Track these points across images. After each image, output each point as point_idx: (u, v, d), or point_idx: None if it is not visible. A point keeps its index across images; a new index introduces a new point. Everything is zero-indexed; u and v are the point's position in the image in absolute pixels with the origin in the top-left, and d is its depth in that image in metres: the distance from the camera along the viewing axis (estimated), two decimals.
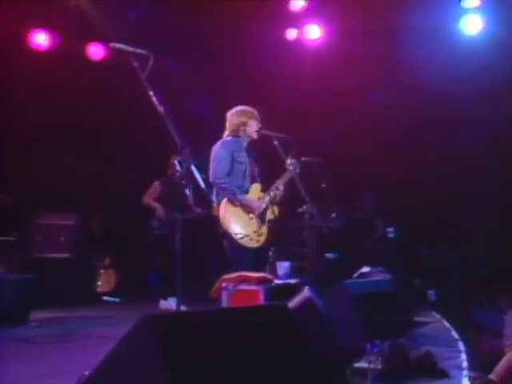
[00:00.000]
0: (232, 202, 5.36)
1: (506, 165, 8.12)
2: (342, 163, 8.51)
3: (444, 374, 4.17)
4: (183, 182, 3.44)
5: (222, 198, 5.35)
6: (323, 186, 6.53)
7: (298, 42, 9.47)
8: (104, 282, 8.25)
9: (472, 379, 4.01)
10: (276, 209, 5.60)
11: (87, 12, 8.58)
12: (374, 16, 8.52)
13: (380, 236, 7.71)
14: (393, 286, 5.04)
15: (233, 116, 5.66)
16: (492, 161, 8.29)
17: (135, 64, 3.54)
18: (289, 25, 9.46)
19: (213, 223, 5.39)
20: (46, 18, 8.55)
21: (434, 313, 6.98)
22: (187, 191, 4.41)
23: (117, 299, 8.20)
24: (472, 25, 8.70)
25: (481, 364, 4.55)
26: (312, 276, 5.19)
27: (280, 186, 5.59)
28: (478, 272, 7.60)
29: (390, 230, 7.74)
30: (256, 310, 2.74)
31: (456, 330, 5.88)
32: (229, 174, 5.46)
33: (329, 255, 7.13)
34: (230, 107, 5.76)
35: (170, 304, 7.17)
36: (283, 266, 5.14)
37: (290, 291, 3.94)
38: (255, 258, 5.33)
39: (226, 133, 5.67)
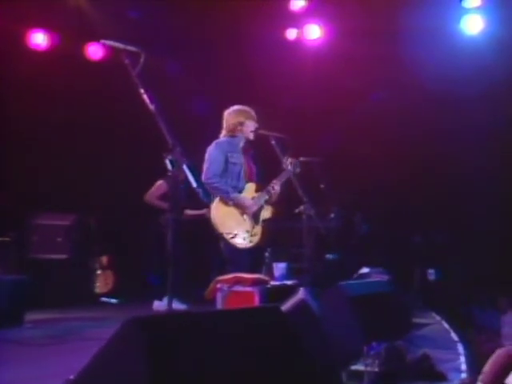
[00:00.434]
0: (224, 201, 5.31)
1: (507, 165, 8.06)
2: (342, 163, 8.46)
3: (442, 377, 4.11)
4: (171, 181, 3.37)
5: (215, 199, 5.31)
6: (322, 186, 6.49)
7: (298, 42, 9.45)
8: (102, 282, 8.21)
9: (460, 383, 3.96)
10: (270, 209, 5.55)
11: (86, 12, 8.54)
12: (374, 16, 8.48)
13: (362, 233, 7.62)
14: (391, 287, 5.00)
15: (230, 115, 5.62)
16: (492, 161, 8.24)
17: (126, 61, 3.48)
18: (289, 25, 9.44)
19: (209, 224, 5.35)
20: (44, 18, 8.52)
21: (433, 314, 6.93)
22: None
23: (115, 300, 8.14)
24: (473, 25, 8.67)
25: (480, 366, 4.49)
26: (310, 277, 5.12)
27: (276, 185, 5.53)
28: (478, 272, 7.55)
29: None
30: (247, 312, 2.68)
31: (456, 331, 5.82)
32: (222, 174, 5.42)
33: (328, 256, 7.10)
34: (229, 107, 5.72)
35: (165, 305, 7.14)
36: (280, 267, 5.08)
37: (286, 293, 3.89)
38: (251, 259, 5.28)
39: (223, 132, 5.62)
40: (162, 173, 7.67)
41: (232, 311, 2.50)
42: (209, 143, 5.60)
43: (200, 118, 8.72)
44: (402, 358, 4.10)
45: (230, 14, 8.52)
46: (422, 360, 4.19)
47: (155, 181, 7.78)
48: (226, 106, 5.78)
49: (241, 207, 5.37)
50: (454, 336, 5.67)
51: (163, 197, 7.48)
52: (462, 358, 4.73)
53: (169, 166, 3.27)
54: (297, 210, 5.28)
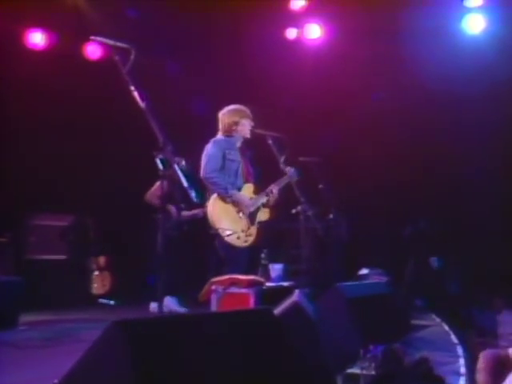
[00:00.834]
0: (222, 197, 5.27)
1: (508, 164, 8.00)
2: (342, 164, 8.40)
3: (440, 381, 4.03)
4: (164, 181, 3.30)
5: (212, 194, 5.25)
6: (321, 186, 6.44)
7: (298, 42, 9.41)
8: (99, 284, 8.14)
9: None
10: (268, 212, 5.49)
11: (84, 11, 8.49)
12: (375, 15, 8.43)
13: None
14: (389, 288, 4.94)
15: (225, 115, 5.58)
16: (494, 160, 8.17)
17: (116, 58, 3.42)
18: (289, 24, 9.40)
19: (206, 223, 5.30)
20: (42, 17, 8.47)
21: (433, 316, 6.85)
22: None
23: (112, 302, 8.08)
24: (475, 24, 8.64)
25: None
26: (307, 278, 5.06)
27: (275, 189, 5.48)
28: (476, 272, 7.48)
29: None
30: (237, 314, 2.62)
31: (455, 333, 5.74)
32: (220, 170, 5.38)
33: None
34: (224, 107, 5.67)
35: (165, 307, 7.07)
36: (276, 269, 5.02)
37: (282, 294, 3.82)
38: (248, 260, 5.22)
39: (219, 133, 5.57)
40: (155, 173, 7.69)
41: (221, 313, 2.45)
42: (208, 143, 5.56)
43: (199, 117, 8.65)
44: (400, 361, 4.01)
45: (229, 13, 8.49)
46: (420, 363, 4.10)
47: (154, 180, 7.70)
48: (226, 106, 5.74)
49: (239, 205, 5.32)
50: (453, 338, 5.58)
51: (165, 197, 7.40)
52: (462, 361, 4.65)
53: (159, 166, 3.20)
54: (294, 211, 5.22)
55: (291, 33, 9.40)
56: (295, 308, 3.26)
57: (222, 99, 5.94)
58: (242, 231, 5.25)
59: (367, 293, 4.56)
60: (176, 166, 3.31)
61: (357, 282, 4.92)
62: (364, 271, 6.56)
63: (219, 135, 5.58)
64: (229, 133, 5.53)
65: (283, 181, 5.48)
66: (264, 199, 5.46)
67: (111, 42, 3.52)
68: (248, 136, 5.53)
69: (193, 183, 3.75)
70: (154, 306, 7.14)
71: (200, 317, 2.30)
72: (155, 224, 7.44)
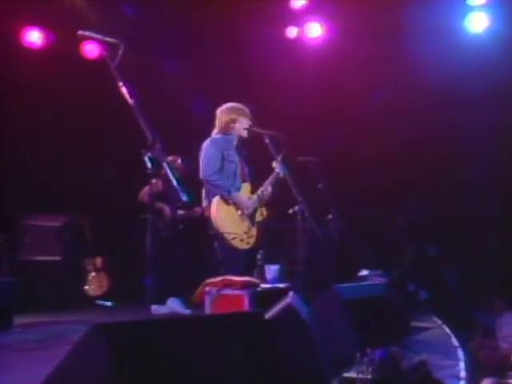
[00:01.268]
0: (225, 200, 5.18)
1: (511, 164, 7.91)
2: (342, 163, 8.31)
3: None
4: (153, 179, 3.20)
5: (213, 197, 5.16)
6: (320, 186, 6.35)
7: (298, 41, 9.31)
8: (96, 285, 8.04)
9: None
10: (264, 210, 5.40)
11: (82, 10, 8.42)
12: (376, 13, 8.35)
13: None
14: (387, 290, 4.84)
15: (222, 113, 5.49)
16: (497, 160, 8.08)
17: (104, 53, 3.33)
18: (289, 23, 9.31)
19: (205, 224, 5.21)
20: (39, 16, 8.39)
21: (435, 318, 6.74)
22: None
23: (109, 303, 7.98)
24: (477, 22, 8.54)
25: (478, 373, 4.33)
26: (304, 280, 4.95)
27: (268, 187, 5.40)
28: (477, 274, 7.38)
29: None
30: (225, 317, 2.54)
31: (456, 336, 5.63)
32: (219, 172, 5.28)
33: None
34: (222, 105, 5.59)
35: (167, 308, 7.01)
36: (272, 270, 4.92)
37: (278, 296, 3.71)
38: (245, 261, 5.13)
39: (215, 130, 5.48)
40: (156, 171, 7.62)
41: (207, 317, 2.36)
42: None
43: (199, 117, 8.58)
44: (397, 365, 3.92)
45: (229, 11, 8.40)
46: (418, 367, 4.00)
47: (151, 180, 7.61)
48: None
49: (241, 207, 5.23)
50: (454, 341, 5.47)
51: (158, 196, 7.29)
52: (462, 365, 4.53)
53: (148, 164, 3.10)
54: (291, 211, 5.11)
55: (292, 31, 9.30)
56: (288, 310, 3.16)
57: (222, 98, 5.85)
58: (245, 233, 5.18)
59: (365, 294, 4.46)
60: (165, 165, 3.20)
61: (354, 284, 4.81)
62: (364, 272, 6.46)
63: (216, 133, 5.48)
64: (226, 130, 5.44)
65: (273, 177, 5.40)
66: (259, 198, 5.37)
67: (99, 37, 3.43)
68: (244, 135, 5.44)
69: (183, 182, 3.65)
70: (155, 308, 7.08)
71: (183, 320, 2.24)
72: (161, 225, 7.46)
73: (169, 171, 3.25)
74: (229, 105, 5.54)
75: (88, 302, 7.91)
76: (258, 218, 5.39)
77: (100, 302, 8.03)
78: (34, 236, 7.82)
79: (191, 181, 5.49)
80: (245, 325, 2.53)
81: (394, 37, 8.34)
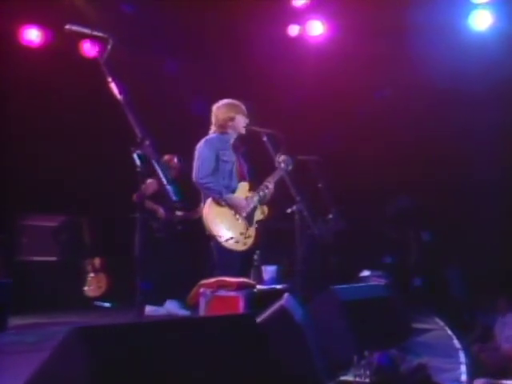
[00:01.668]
0: (217, 202, 5.08)
1: None
2: (343, 163, 8.23)
3: None
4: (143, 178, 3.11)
5: (206, 199, 5.07)
6: (319, 185, 6.27)
7: (300, 39, 9.24)
8: (94, 286, 7.97)
9: None
10: (266, 209, 5.31)
11: (81, 8, 8.36)
12: (379, 11, 8.30)
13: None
14: (388, 291, 4.76)
15: (219, 110, 5.39)
16: (501, 160, 8.00)
17: (92, 47, 3.25)
18: (291, 21, 9.23)
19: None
20: (38, 14, 8.33)
21: (437, 319, 6.65)
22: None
23: (108, 304, 7.90)
24: (481, 20, 8.47)
25: (479, 375, 4.24)
26: (302, 281, 4.86)
27: (270, 184, 5.29)
28: (479, 275, 7.30)
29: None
30: (210, 320, 2.46)
31: (458, 337, 5.53)
32: (214, 173, 5.19)
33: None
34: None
35: (164, 309, 6.94)
36: (269, 271, 4.83)
37: (274, 298, 3.63)
38: (242, 262, 5.04)
39: (213, 128, 5.39)
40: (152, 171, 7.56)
41: (192, 319, 2.28)
42: None
43: (199, 116, 8.51)
44: (396, 368, 3.82)
45: (230, 10, 8.36)
46: (418, 370, 3.91)
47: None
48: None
49: (234, 208, 5.13)
50: (456, 343, 5.37)
51: (153, 196, 7.21)
52: (463, 368, 4.44)
53: (137, 162, 3.01)
54: (289, 210, 5.01)
55: (293, 30, 9.23)
56: (281, 313, 3.08)
57: (223, 97, 5.76)
58: (241, 234, 5.08)
59: (364, 296, 4.38)
60: (154, 162, 3.11)
61: (353, 285, 4.71)
62: (365, 273, 6.37)
63: (212, 131, 5.39)
64: (223, 128, 5.34)
65: (277, 174, 5.29)
66: (260, 196, 5.27)
67: (87, 31, 3.35)
68: (243, 132, 5.35)
69: (174, 181, 3.57)
70: (149, 309, 7.00)
71: (165, 323, 2.16)
72: (155, 226, 7.38)
73: (159, 169, 3.16)
74: (225, 101, 5.45)
75: (86, 303, 7.83)
76: (259, 216, 5.29)
77: (99, 303, 7.96)
78: (31, 236, 7.75)
79: (188, 180, 5.42)
80: (233, 327, 2.45)
81: (396, 35, 8.28)
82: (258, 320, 3.07)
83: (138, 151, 3.04)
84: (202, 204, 5.22)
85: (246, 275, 4.80)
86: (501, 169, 7.97)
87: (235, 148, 5.40)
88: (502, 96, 8.04)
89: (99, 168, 8.48)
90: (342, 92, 8.62)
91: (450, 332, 5.95)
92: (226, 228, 5.04)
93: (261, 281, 4.80)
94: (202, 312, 4.29)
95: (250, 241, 5.14)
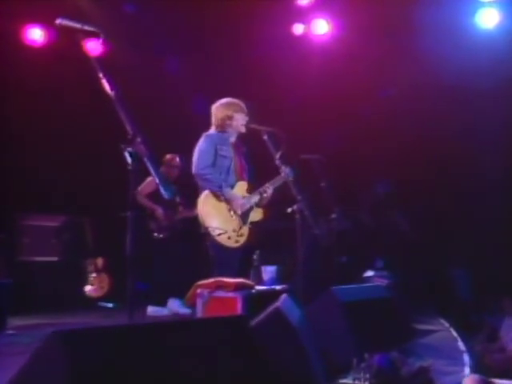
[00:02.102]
0: (215, 195, 5.03)
1: None
2: (347, 162, 8.16)
3: None
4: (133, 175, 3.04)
5: (203, 191, 5.02)
6: (322, 184, 6.20)
7: (305, 38, 9.16)
8: (97, 286, 7.91)
9: None
10: (260, 211, 5.24)
11: (84, 7, 8.33)
12: (384, 10, 8.22)
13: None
14: (389, 292, 4.68)
15: (218, 110, 5.35)
16: (508, 158, 7.88)
17: (83, 42, 3.19)
18: (296, 19, 9.16)
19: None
20: (41, 13, 8.29)
21: (442, 320, 6.56)
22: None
23: (110, 305, 7.84)
24: (488, 18, 8.40)
25: (488, 376, 4.15)
26: (302, 281, 4.77)
27: (269, 189, 5.23)
28: (486, 276, 7.21)
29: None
30: (198, 323, 2.39)
31: (463, 339, 5.44)
32: (212, 167, 5.14)
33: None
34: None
35: (168, 310, 6.90)
36: (269, 271, 4.75)
37: (273, 298, 3.55)
38: (240, 262, 4.97)
39: (212, 128, 5.34)
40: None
41: (178, 322, 2.20)
42: None
43: (201, 116, 8.46)
44: (396, 371, 3.74)
45: (235, 8, 8.29)
46: (419, 373, 3.83)
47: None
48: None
49: (231, 204, 5.07)
50: (460, 345, 5.28)
51: (152, 195, 7.14)
52: (467, 370, 4.34)
53: (128, 159, 2.95)
54: (289, 209, 4.93)
55: (298, 28, 9.16)
56: (276, 315, 3.00)
57: (226, 96, 5.70)
58: (234, 231, 5.00)
59: (364, 297, 4.30)
60: (146, 160, 3.05)
61: (353, 286, 4.63)
62: (369, 273, 6.29)
63: (212, 130, 5.34)
64: (222, 128, 5.29)
65: (278, 180, 5.23)
66: (257, 199, 5.21)
67: (78, 26, 3.30)
68: (243, 130, 5.29)
69: (162, 178, 3.51)
70: (151, 309, 6.96)
71: (149, 327, 2.08)
72: (153, 226, 7.33)
73: (151, 167, 3.09)
74: (224, 101, 5.41)
75: (89, 304, 7.78)
76: (256, 217, 5.23)
77: (101, 304, 7.90)
78: (32, 236, 7.69)
79: (189, 179, 5.37)
80: (224, 330, 2.38)
81: (402, 33, 8.23)
82: (253, 322, 3.00)
83: (129, 148, 2.96)
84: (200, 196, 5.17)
85: (246, 275, 4.73)
86: (508, 168, 7.86)
87: (235, 147, 5.35)
88: (509, 94, 7.94)
89: (102, 167, 8.42)
90: (346, 91, 8.55)
91: (454, 333, 5.86)
92: (218, 222, 4.98)
93: (260, 281, 4.73)
94: (199, 313, 4.22)
95: (242, 239, 5.07)
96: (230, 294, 4.18)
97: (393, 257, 7.37)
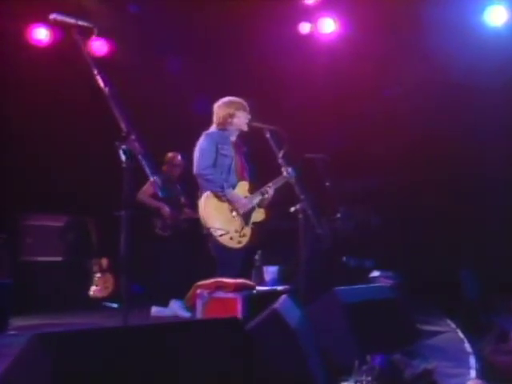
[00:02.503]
0: (216, 195, 5.00)
1: None
2: (353, 162, 8.09)
3: None
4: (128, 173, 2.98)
5: (204, 191, 4.98)
6: (327, 184, 6.14)
7: (311, 37, 9.09)
8: (101, 286, 7.86)
9: None
10: (263, 212, 5.19)
11: (89, 7, 8.30)
12: (391, 8, 8.16)
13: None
14: (394, 292, 4.61)
15: (219, 108, 5.33)
16: None
17: (77, 37, 3.15)
18: (302, 18, 9.10)
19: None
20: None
21: (449, 321, 6.47)
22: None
23: (115, 305, 7.79)
24: (497, 16, 8.32)
25: (495, 379, 4.08)
26: (304, 282, 4.70)
27: (270, 189, 5.18)
28: (491, 274, 7.12)
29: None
30: (181, 326, 2.33)
31: (470, 341, 5.35)
32: (213, 166, 5.09)
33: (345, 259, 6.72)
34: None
35: (170, 310, 6.85)
36: (270, 271, 4.70)
37: (274, 299, 3.49)
38: (242, 262, 4.92)
39: (213, 126, 5.30)
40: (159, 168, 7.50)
41: (163, 325, 2.15)
42: None
43: (204, 116, 8.44)
44: (399, 374, 3.66)
45: (241, 7, 8.23)
46: (423, 376, 3.74)
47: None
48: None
49: (233, 204, 5.03)
50: (467, 347, 5.19)
51: (157, 194, 7.11)
52: (473, 373, 4.26)
53: (122, 157, 2.89)
54: (292, 209, 4.85)
55: (304, 27, 9.09)
56: (273, 317, 2.93)
57: (232, 96, 5.65)
58: (236, 231, 4.97)
59: (368, 298, 4.26)
60: (141, 158, 2.99)
61: (356, 286, 4.56)
62: (375, 274, 6.21)
63: (212, 128, 5.29)
64: (223, 126, 5.26)
65: (280, 180, 5.18)
66: (258, 199, 5.17)
67: (72, 21, 3.26)
68: (245, 129, 5.25)
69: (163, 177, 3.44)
70: (155, 310, 6.92)
71: (133, 330, 2.04)
72: (159, 225, 7.29)
73: (146, 165, 3.04)
74: (226, 99, 5.39)
75: (93, 304, 7.73)
76: (257, 218, 5.18)
77: (106, 304, 7.86)
78: (36, 236, 7.65)
79: (192, 178, 5.33)
80: (216, 332, 2.32)
81: (409, 32, 8.18)
82: (250, 324, 2.94)
83: (124, 146, 2.91)
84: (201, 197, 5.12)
85: (247, 276, 4.68)
86: None
87: (236, 146, 5.31)
88: None
89: (105, 167, 8.38)
90: (352, 90, 8.51)
91: (461, 335, 5.78)
92: (220, 222, 4.95)
93: (262, 282, 4.67)
94: (198, 314, 4.17)
95: (244, 240, 5.05)
96: (230, 295, 4.13)
97: (396, 256, 7.32)
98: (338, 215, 6.43)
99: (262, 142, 5.04)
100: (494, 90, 7.79)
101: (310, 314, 3.93)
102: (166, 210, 7.17)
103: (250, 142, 5.48)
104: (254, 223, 5.15)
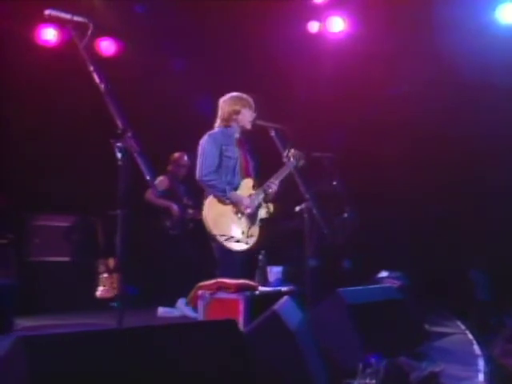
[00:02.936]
0: (220, 200, 4.93)
1: None
2: (360, 161, 8.02)
3: None
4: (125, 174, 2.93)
5: (208, 196, 4.93)
6: (334, 183, 6.08)
7: (320, 35, 9.03)
8: (108, 286, 7.84)
9: None
10: (271, 207, 5.13)
11: (98, 7, 8.30)
12: (402, 6, 8.08)
13: None
14: (400, 293, 4.54)
15: (225, 103, 5.28)
16: None
17: (73, 33, 3.11)
18: (311, 17, 9.04)
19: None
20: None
21: (458, 323, 6.38)
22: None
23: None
24: (509, 13, 8.20)
25: (505, 381, 4.01)
26: (309, 282, 4.63)
27: (274, 184, 5.11)
28: (503, 275, 7.02)
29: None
30: (170, 328, 2.27)
31: (479, 343, 5.26)
32: (217, 169, 5.04)
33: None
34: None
35: (178, 310, 6.82)
36: (275, 272, 4.63)
37: (276, 300, 3.43)
38: (246, 262, 4.86)
39: (217, 122, 5.25)
40: (164, 168, 7.48)
41: (146, 328, 2.09)
42: None
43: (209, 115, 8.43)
44: (404, 377, 3.58)
45: (249, 6, 8.21)
46: (429, 379, 3.67)
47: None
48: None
49: (237, 206, 4.97)
50: (476, 349, 5.10)
51: (165, 194, 7.11)
52: (481, 376, 4.17)
53: (118, 155, 2.84)
54: (297, 208, 4.79)
55: (313, 26, 9.03)
56: (272, 319, 2.87)
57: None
58: (243, 233, 4.92)
59: (374, 299, 4.18)
60: (137, 156, 2.94)
61: (362, 287, 4.49)
62: (383, 274, 6.13)
63: (217, 125, 5.25)
64: (227, 122, 5.21)
65: (284, 170, 5.12)
66: (262, 196, 5.10)
67: (68, 16, 3.22)
68: (248, 127, 5.20)
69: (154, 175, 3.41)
70: (162, 310, 6.88)
71: (119, 333, 1.99)
72: (169, 224, 7.26)
73: (142, 163, 2.98)
74: (232, 95, 5.34)
75: (100, 304, 7.70)
76: (264, 214, 5.13)
77: (113, 304, 7.81)
78: (43, 236, 7.61)
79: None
80: (211, 335, 2.27)
81: (419, 31, 8.11)
82: (249, 326, 2.89)
83: (119, 144, 2.86)
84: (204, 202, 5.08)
85: (251, 276, 4.62)
86: None
87: (240, 144, 5.25)
88: None
89: (111, 166, 8.36)
90: (361, 89, 8.46)
91: (470, 336, 5.69)
92: (227, 227, 4.91)
93: (266, 282, 4.61)
94: (200, 315, 4.11)
95: (252, 240, 5.00)
96: (232, 296, 4.07)
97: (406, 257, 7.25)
98: (346, 214, 6.37)
99: (268, 140, 4.99)
100: (507, 90, 7.66)
101: (315, 315, 3.87)
102: (175, 208, 7.17)
103: (254, 141, 5.41)
104: (261, 220, 5.11)
